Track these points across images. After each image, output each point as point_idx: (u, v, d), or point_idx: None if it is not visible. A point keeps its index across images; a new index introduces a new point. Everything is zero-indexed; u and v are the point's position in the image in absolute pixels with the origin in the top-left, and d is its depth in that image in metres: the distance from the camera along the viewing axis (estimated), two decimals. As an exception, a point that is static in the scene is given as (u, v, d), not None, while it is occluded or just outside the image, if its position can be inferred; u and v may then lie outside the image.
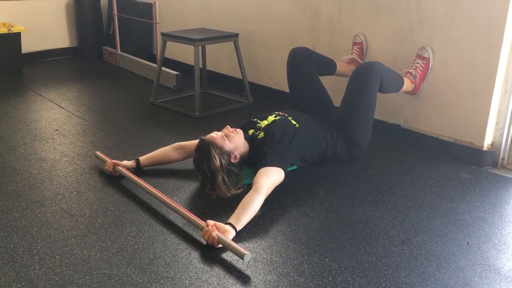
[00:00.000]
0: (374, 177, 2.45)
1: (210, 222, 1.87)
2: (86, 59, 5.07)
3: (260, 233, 1.94)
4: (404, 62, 2.82)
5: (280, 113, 2.52)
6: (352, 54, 3.00)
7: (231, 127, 2.32)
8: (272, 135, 2.32)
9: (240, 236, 1.91)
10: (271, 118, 2.46)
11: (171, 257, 1.77)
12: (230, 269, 1.72)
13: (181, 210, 2.00)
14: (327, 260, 1.77)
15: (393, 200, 2.22)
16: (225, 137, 2.24)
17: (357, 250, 1.83)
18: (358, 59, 2.97)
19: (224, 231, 1.84)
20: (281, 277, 1.68)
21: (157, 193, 2.13)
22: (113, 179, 2.38)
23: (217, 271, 1.70)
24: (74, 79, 4.41)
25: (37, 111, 3.41)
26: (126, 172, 2.34)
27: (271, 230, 1.96)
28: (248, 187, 2.24)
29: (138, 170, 2.43)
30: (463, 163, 2.62)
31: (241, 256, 1.73)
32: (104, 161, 2.47)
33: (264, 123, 2.43)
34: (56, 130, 3.05)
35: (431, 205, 2.18)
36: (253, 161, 2.33)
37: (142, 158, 2.46)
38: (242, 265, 1.73)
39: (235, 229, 1.87)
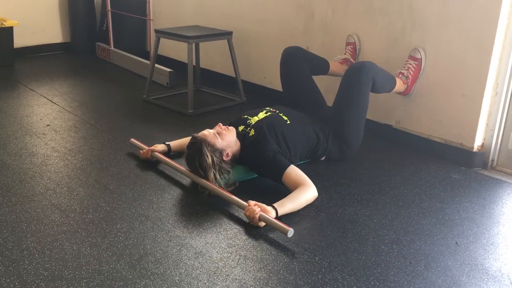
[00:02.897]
0: (365, 177, 2.47)
1: (252, 202, 1.99)
2: (79, 55, 5.05)
3: (251, 231, 1.95)
4: (396, 63, 2.84)
5: (271, 109, 2.52)
6: (345, 54, 3.01)
7: (223, 125, 2.32)
8: (264, 135, 2.32)
9: (231, 233, 1.92)
10: (261, 114, 2.46)
11: (161, 254, 1.77)
12: (220, 266, 1.72)
13: (223, 192, 2.14)
14: (317, 258, 1.78)
15: (383, 199, 2.24)
16: (217, 135, 2.24)
17: (346, 249, 1.84)
18: (351, 59, 2.98)
19: (265, 210, 1.96)
20: (271, 274, 1.69)
21: (196, 176, 2.24)
22: (104, 176, 2.38)
23: (207, 267, 1.71)
24: (67, 74, 4.39)
25: (29, 106, 3.39)
26: (163, 157, 2.46)
27: (262, 228, 1.96)
28: (240, 185, 2.26)
29: (167, 154, 2.55)
30: (453, 164, 2.64)
31: (284, 232, 1.85)
32: (140, 148, 2.58)
33: (255, 119, 2.43)
34: (48, 125, 3.03)
35: (420, 205, 2.20)
36: (245, 159, 2.34)
37: (172, 144, 2.60)
38: (233, 262, 1.74)
39: (276, 211, 1.98)
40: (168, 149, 2.58)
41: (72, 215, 2.01)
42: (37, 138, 2.82)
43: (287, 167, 2.18)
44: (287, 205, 2.04)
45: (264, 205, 1.98)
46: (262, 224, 1.95)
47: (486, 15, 2.44)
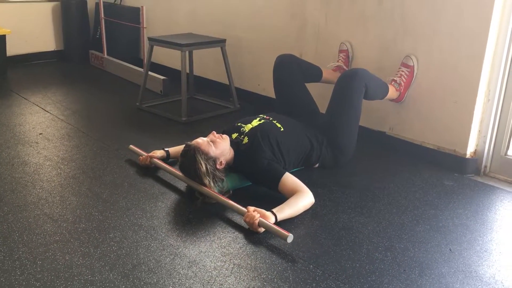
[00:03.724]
0: (358, 184, 2.47)
1: (251, 208, 1.99)
2: (72, 63, 5.04)
3: (245, 239, 1.94)
4: (389, 70, 2.85)
5: (264, 116, 2.52)
6: (338, 61, 3.02)
7: (217, 133, 2.32)
8: (258, 142, 2.31)
9: (224, 242, 1.91)
10: (255, 122, 2.46)
11: (154, 263, 1.76)
12: (213, 275, 1.71)
13: (222, 198, 2.13)
14: (311, 266, 1.77)
15: (377, 206, 2.24)
16: (211, 143, 2.24)
17: (341, 257, 1.84)
18: (344, 66, 2.99)
19: (264, 216, 1.96)
20: (265, 283, 1.68)
21: (195, 183, 2.22)
22: (96, 185, 2.37)
23: (201, 277, 1.70)
24: (60, 82, 4.37)
25: (21, 115, 3.38)
26: (162, 164, 2.47)
27: (256, 236, 1.96)
28: (234, 192, 2.26)
29: (166, 160, 2.57)
30: (446, 170, 2.65)
31: (284, 237, 1.86)
32: (139, 154, 2.60)
33: (248, 127, 2.43)
34: (40, 134, 3.02)
35: (414, 212, 2.20)
36: (239, 167, 2.33)
37: (171, 150, 2.62)
38: (226, 271, 1.73)
39: (275, 216, 1.98)
40: (167, 155, 2.58)
41: (64, 225, 1.99)
42: (29, 147, 2.80)
43: (283, 175, 2.18)
44: (286, 210, 2.04)
45: (263, 211, 1.98)
46: (262, 230, 1.96)
47: (477, 22, 2.45)
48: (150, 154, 2.54)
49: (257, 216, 1.94)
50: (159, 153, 2.57)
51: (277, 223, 1.97)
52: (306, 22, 3.29)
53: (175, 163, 2.51)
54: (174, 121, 3.35)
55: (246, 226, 2.00)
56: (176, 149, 2.61)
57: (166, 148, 2.62)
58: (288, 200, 2.10)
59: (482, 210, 2.25)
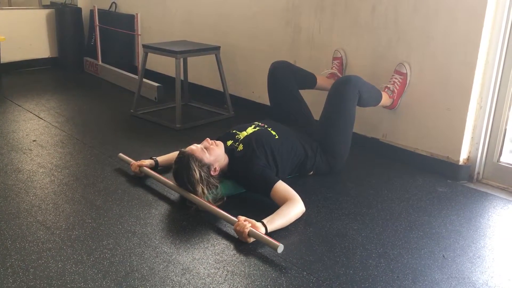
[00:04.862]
0: (352, 191, 2.47)
1: (242, 217, 1.97)
2: (67, 70, 5.04)
3: (238, 246, 1.94)
4: (382, 77, 2.87)
5: (259, 123, 2.53)
6: (332, 68, 3.04)
7: (211, 140, 2.32)
8: (253, 150, 2.31)
9: (218, 249, 1.91)
10: (250, 129, 2.46)
11: (148, 270, 1.76)
12: (207, 282, 1.71)
13: (212, 207, 2.12)
14: (305, 273, 1.77)
15: (370, 213, 2.24)
16: (205, 150, 2.24)
17: (334, 263, 1.84)
18: (338, 74, 3.01)
19: (254, 226, 1.94)
20: (259, 290, 1.68)
21: (185, 191, 2.22)
22: (90, 192, 2.36)
23: (194, 284, 1.69)
24: (54, 89, 4.37)
25: (15, 122, 3.37)
26: (152, 172, 2.46)
27: (250, 243, 1.95)
28: (227, 200, 2.26)
29: (155, 169, 2.54)
30: (440, 177, 2.66)
31: (274, 247, 1.84)
32: (128, 163, 2.59)
33: (243, 134, 2.43)
34: (34, 141, 3.01)
35: (408, 218, 2.21)
36: (233, 173, 2.34)
37: (160, 159, 2.59)
38: (220, 278, 1.73)
39: (266, 227, 1.96)
40: (155, 164, 2.57)
41: (57, 232, 1.98)
42: (23, 154, 2.79)
43: (275, 183, 2.18)
44: (277, 221, 2.02)
45: (254, 221, 1.96)
46: (251, 239, 1.94)
47: (469, 30, 2.48)
48: (139, 162, 2.52)
49: (248, 226, 1.93)
50: (148, 162, 2.54)
51: (267, 234, 1.95)
52: (300, 30, 3.31)
53: (164, 172, 2.50)
54: (168, 128, 3.36)
55: (236, 236, 1.99)
56: (164, 158, 2.60)
57: (154, 157, 2.59)
58: (278, 210, 2.08)
59: (475, 216, 2.26)
